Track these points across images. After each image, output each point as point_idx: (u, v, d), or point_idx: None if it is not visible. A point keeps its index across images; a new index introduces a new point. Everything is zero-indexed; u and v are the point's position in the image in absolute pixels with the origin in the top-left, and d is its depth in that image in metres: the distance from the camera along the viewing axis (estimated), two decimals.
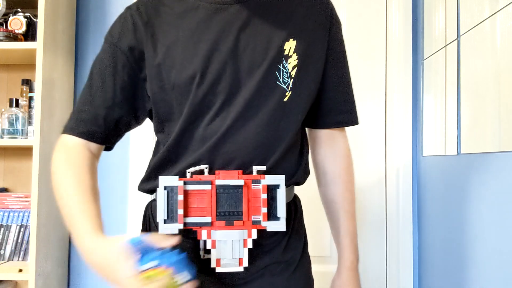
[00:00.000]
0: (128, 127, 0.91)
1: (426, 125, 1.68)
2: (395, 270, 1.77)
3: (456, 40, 1.41)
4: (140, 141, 1.80)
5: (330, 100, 0.95)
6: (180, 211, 0.76)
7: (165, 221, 0.76)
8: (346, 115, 0.97)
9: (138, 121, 0.92)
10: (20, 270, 1.54)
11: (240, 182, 0.77)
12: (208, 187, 0.77)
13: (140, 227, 0.95)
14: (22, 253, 1.66)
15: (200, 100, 0.82)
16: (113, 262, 0.71)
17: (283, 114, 0.85)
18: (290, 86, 0.85)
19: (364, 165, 1.84)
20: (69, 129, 0.87)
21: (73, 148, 0.86)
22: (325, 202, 1.02)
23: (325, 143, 1.00)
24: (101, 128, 0.86)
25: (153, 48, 0.84)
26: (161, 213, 0.76)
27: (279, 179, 0.80)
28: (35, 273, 1.53)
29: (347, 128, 1.01)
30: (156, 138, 0.93)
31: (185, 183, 0.77)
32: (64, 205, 0.82)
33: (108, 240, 0.74)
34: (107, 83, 0.85)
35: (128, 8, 0.89)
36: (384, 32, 1.85)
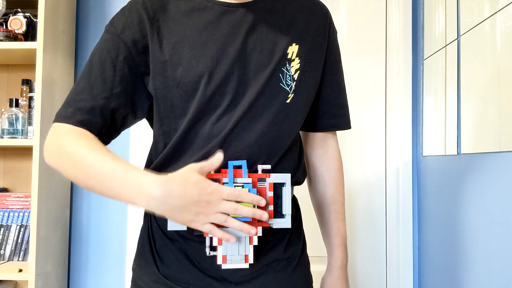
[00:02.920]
0: (125, 122, 0.89)
1: (426, 125, 1.68)
2: (395, 270, 1.78)
3: (456, 40, 1.41)
4: (140, 141, 1.80)
5: (324, 104, 0.99)
6: None
7: None
8: (339, 119, 1.01)
9: (135, 116, 0.90)
10: (20, 270, 1.54)
11: (247, 180, 0.78)
12: None
13: (141, 227, 0.95)
14: (22, 253, 1.66)
15: (208, 99, 0.83)
16: (200, 182, 0.72)
17: (286, 115, 0.87)
18: (292, 89, 0.87)
19: (364, 165, 1.84)
20: (65, 117, 0.83)
21: (73, 130, 0.82)
22: (316, 203, 1.04)
23: (318, 146, 1.03)
24: (98, 118, 0.83)
25: (159, 44, 0.84)
26: None
27: (284, 177, 0.81)
28: (35, 273, 1.53)
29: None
30: None
31: None
32: (89, 165, 0.77)
33: (182, 169, 0.74)
34: (106, 73, 0.84)
35: (133, 1, 0.88)
36: (384, 32, 1.86)
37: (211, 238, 0.79)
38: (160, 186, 0.72)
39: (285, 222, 0.80)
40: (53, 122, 0.85)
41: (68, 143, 0.80)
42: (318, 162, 1.03)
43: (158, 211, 0.73)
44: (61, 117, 0.84)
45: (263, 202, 0.75)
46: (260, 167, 0.81)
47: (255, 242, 0.80)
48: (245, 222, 0.75)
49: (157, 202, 0.72)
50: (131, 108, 0.87)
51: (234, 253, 0.78)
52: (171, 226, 0.76)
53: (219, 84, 0.83)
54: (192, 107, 0.83)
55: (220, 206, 0.73)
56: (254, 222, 0.79)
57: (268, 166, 0.82)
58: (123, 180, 0.74)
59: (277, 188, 0.81)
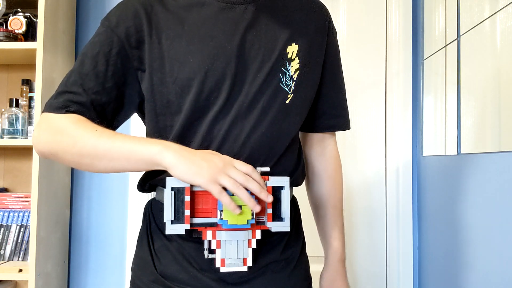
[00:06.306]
0: (116, 117, 0.88)
1: (426, 125, 1.68)
2: (395, 270, 1.78)
3: (456, 40, 1.41)
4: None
5: (323, 105, 0.98)
6: (187, 212, 0.76)
7: (171, 222, 0.76)
8: (338, 120, 1.00)
9: (126, 112, 0.89)
10: (20, 270, 1.54)
11: None
12: None
13: (140, 227, 0.95)
14: (22, 253, 1.66)
15: (205, 96, 0.82)
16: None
17: (285, 116, 0.86)
18: (292, 89, 0.86)
19: (364, 165, 1.84)
20: (56, 108, 0.82)
21: (69, 115, 0.81)
22: (313, 201, 1.04)
23: (316, 145, 1.03)
24: (89, 110, 0.83)
25: (158, 39, 0.84)
26: (168, 214, 0.75)
27: (283, 181, 0.80)
28: (35, 273, 1.53)
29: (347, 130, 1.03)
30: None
31: (191, 184, 0.77)
32: (98, 137, 0.78)
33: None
34: (99, 67, 0.83)
35: None
36: (384, 32, 1.85)
37: (209, 241, 0.79)
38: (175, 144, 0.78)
39: (284, 226, 0.79)
40: (43, 112, 0.84)
41: (67, 124, 0.80)
42: (316, 161, 1.02)
43: (171, 157, 0.74)
44: (51, 107, 0.83)
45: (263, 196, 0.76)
46: (258, 170, 0.80)
47: (254, 245, 0.79)
48: (244, 229, 0.76)
49: (172, 151, 0.75)
50: (121, 103, 0.87)
51: (233, 256, 0.78)
52: (169, 230, 0.76)
53: (216, 81, 0.82)
54: (187, 104, 0.82)
55: (231, 170, 0.75)
56: (253, 226, 0.79)
57: (267, 169, 0.81)
58: (136, 139, 0.78)
59: (276, 191, 0.80)
